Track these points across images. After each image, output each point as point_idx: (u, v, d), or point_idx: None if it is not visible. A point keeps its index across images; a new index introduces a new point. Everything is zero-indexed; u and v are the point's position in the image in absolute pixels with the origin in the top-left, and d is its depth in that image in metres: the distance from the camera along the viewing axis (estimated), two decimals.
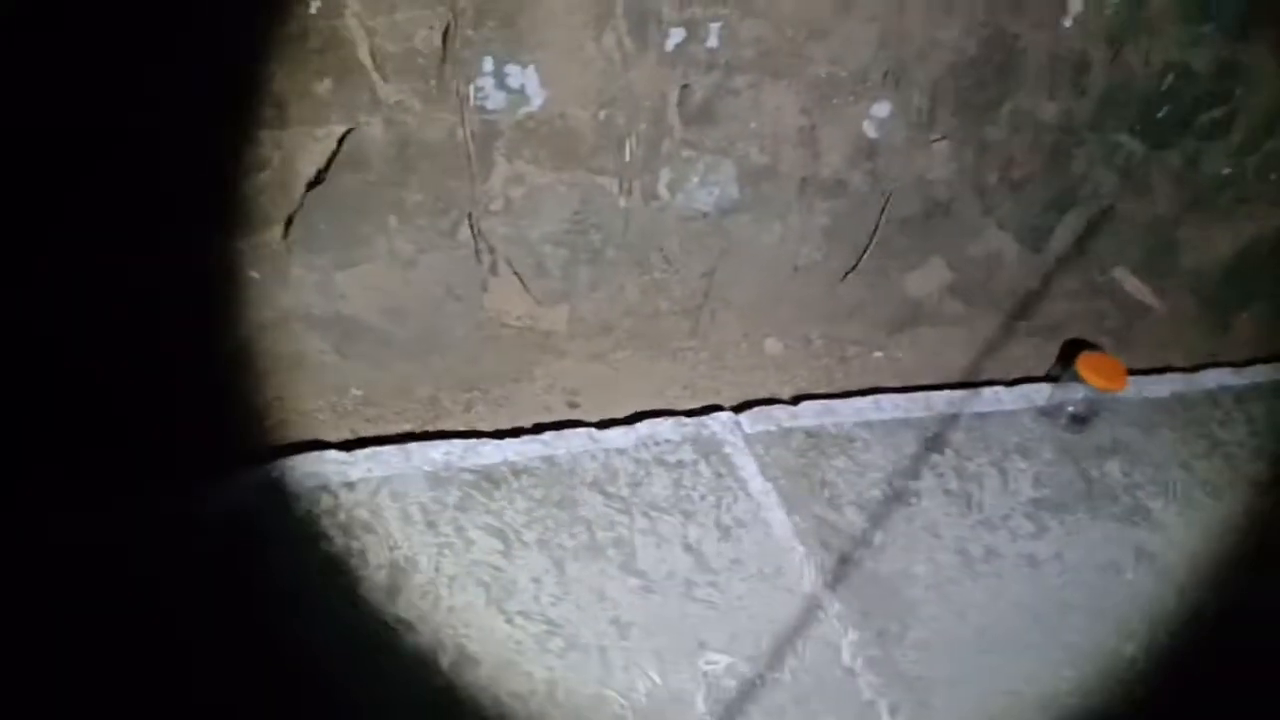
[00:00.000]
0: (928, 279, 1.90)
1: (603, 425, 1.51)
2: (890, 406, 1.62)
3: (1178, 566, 1.45)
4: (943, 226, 1.81)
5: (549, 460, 1.40)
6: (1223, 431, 1.73)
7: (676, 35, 1.42)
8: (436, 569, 1.22)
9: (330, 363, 1.58)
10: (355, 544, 1.23)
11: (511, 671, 1.14)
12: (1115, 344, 2.00)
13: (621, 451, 1.45)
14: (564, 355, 1.74)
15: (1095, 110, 1.76)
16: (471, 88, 1.39)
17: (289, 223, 1.42)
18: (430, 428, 1.59)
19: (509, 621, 1.19)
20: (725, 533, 1.36)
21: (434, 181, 1.45)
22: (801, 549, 1.36)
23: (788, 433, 1.53)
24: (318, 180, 1.39)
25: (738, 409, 1.59)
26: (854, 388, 1.80)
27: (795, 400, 1.62)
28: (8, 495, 1.15)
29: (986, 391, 1.67)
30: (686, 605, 1.26)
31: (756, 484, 1.44)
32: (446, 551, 1.24)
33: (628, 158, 1.53)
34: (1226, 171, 2.00)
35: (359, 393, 1.62)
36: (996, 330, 1.94)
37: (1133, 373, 1.82)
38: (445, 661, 1.12)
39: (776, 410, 1.57)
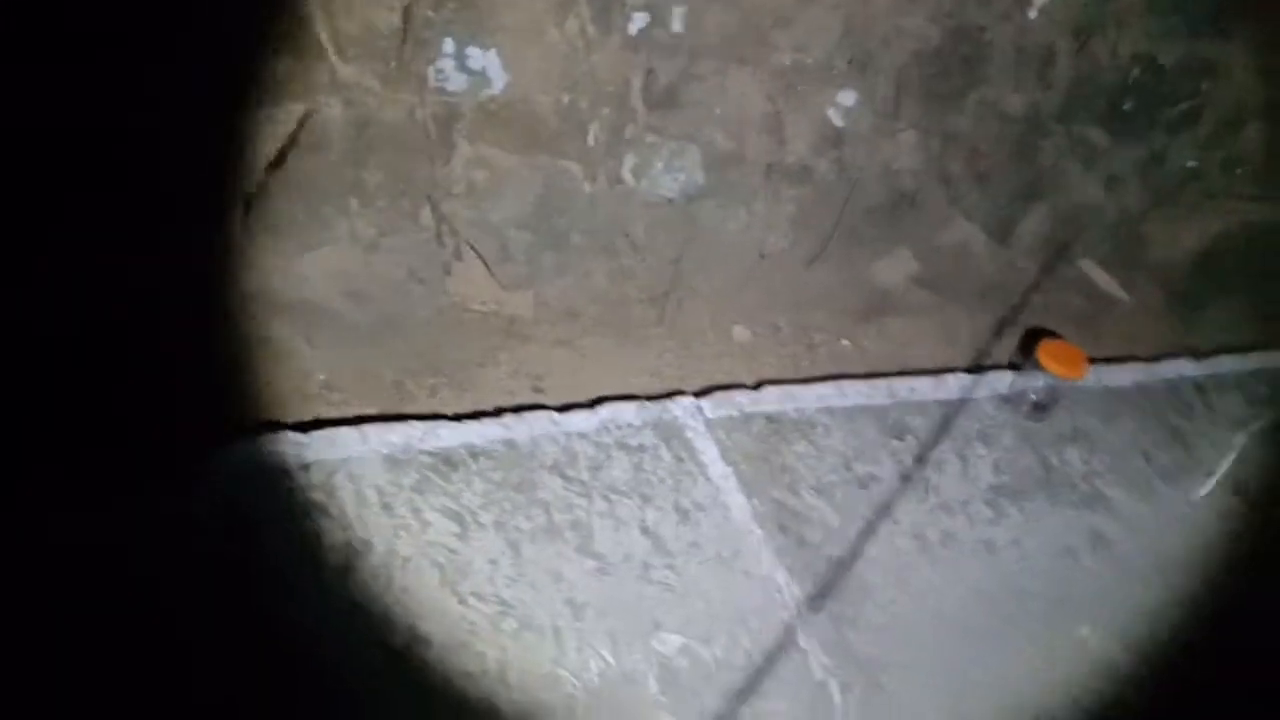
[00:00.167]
0: (895, 268, 1.90)
1: (564, 409, 1.51)
2: (853, 393, 1.63)
3: (1134, 553, 1.47)
4: (909, 216, 1.82)
5: (509, 443, 1.40)
6: (1183, 421, 1.74)
7: (640, 19, 1.42)
8: (391, 550, 1.21)
9: (293, 347, 1.57)
10: (310, 526, 1.22)
11: (463, 652, 1.14)
12: (1082, 334, 2.01)
13: (582, 435, 1.45)
14: (529, 341, 1.74)
15: (1062, 102, 1.78)
16: (432, 69, 1.38)
17: (248, 205, 1.41)
18: (393, 412, 1.59)
19: (462, 602, 1.19)
20: (684, 516, 1.36)
21: (395, 164, 1.45)
22: (759, 532, 1.36)
23: (749, 418, 1.54)
24: (277, 162, 1.38)
25: (700, 394, 1.59)
26: (821, 375, 1.81)
27: (758, 386, 1.62)
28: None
29: (949, 379, 1.68)
30: (642, 587, 1.26)
31: (717, 468, 1.44)
32: (402, 533, 1.24)
33: (591, 142, 1.53)
34: (1193, 165, 2.02)
35: (322, 377, 1.61)
36: (963, 320, 1.95)
37: (1096, 362, 1.84)
38: (396, 642, 1.12)
39: (739, 395, 1.58)
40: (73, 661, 1.03)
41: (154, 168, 1.29)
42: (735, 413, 1.55)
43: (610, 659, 1.17)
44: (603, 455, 1.42)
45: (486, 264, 1.62)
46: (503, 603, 1.20)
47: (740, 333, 1.87)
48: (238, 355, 1.54)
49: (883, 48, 1.57)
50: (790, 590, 1.30)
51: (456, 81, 1.41)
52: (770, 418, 1.55)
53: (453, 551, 1.24)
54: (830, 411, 1.59)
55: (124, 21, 1.17)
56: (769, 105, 1.57)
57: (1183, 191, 2.03)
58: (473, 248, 1.59)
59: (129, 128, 1.23)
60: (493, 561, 1.24)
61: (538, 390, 1.70)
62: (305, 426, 1.39)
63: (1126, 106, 1.82)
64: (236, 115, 1.33)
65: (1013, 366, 1.72)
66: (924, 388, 1.65)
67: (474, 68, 1.40)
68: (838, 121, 1.63)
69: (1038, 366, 1.59)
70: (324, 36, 1.31)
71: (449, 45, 1.38)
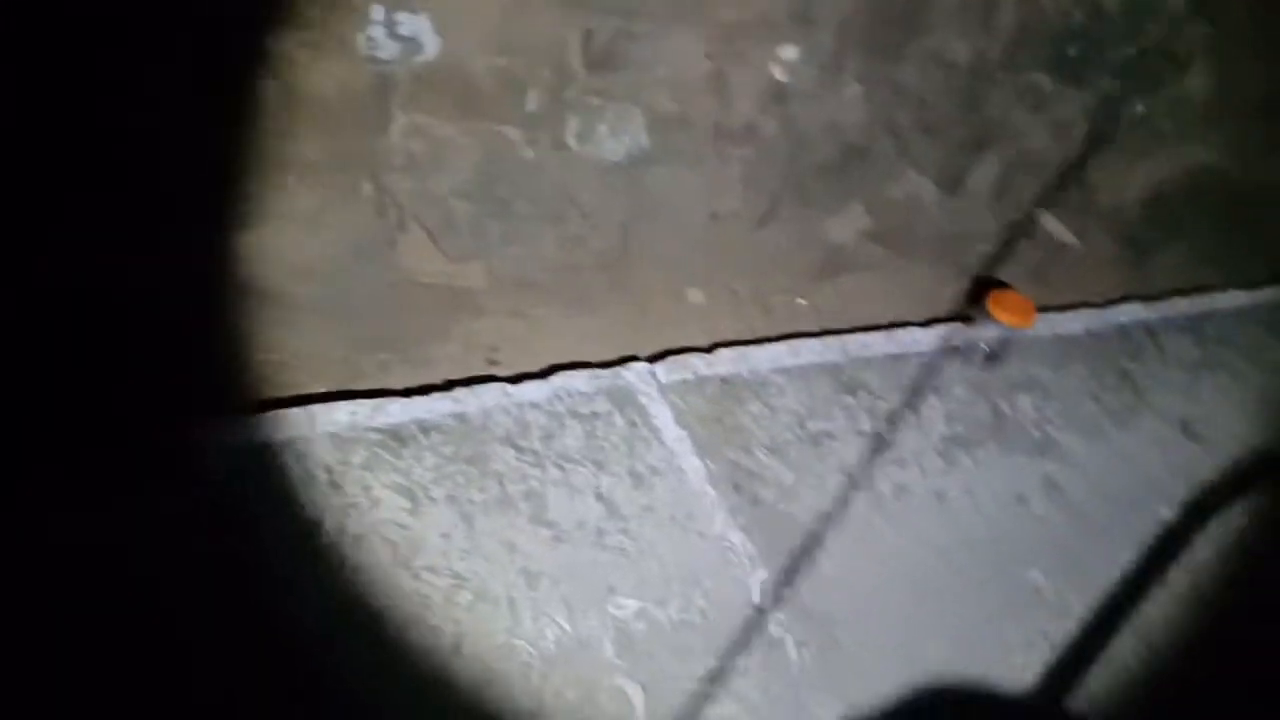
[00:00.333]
0: (847, 224, 1.90)
1: (517, 379, 1.50)
2: (806, 352, 1.63)
3: (1085, 497, 1.49)
4: (859, 171, 1.81)
5: (459, 417, 1.39)
6: (1133, 364, 1.77)
7: None
8: (341, 529, 1.20)
9: (237, 327, 1.55)
10: (258, 508, 1.21)
11: (417, 626, 1.14)
12: (1035, 283, 2.02)
13: (535, 405, 1.44)
14: (482, 312, 1.72)
15: (1007, 50, 1.76)
16: (362, 37, 1.34)
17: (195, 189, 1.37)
18: (344, 390, 1.57)
19: (415, 577, 1.18)
20: (638, 481, 1.37)
21: (330, 136, 1.41)
22: (714, 493, 1.37)
23: (703, 381, 1.54)
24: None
25: (654, 359, 1.58)
26: (777, 335, 1.81)
27: (712, 349, 1.62)
28: None
29: (902, 333, 1.68)
30: (597, 553, 1.27)
31: (671, 432, 1.44)
32: (351, 511, 1.23)
33: (531, 107, 1.50)
34: (1140, 109, 2.02)
35: (270, 357, 1.59)
36: (916, 273, 1.95)
37: (1049, 310, 1.86)
38: (347, 620, 1.12)
39: (693, 359, 1.58)
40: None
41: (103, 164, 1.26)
42: (689, 376, 1.54)
43: (566, 626, 1.18)
44: (556, 424, 1.42)
45: (432, 236, 1.60)
46: (457, 576, 1.20)
47: (695, 295, 1.86)
48: (181, 340, 1.51)
49: (823, 1, 1.54)
50: (745, 549, 1.31)
51: (388, 49, 1.37)
52: (724, 380, 1.55)
53: (404, 527, 1.23)
54: (784, 371, 1.59)
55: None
56: (710, 64, 1.54)
57: (1131, 136, 2.03)
58: (417, 220, 1.57)
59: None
60: (445, 535, 1.24)
61: (493, 362, 1.69)
62: (253, 408, 1.37)
63: (1071, 52, 1.82)
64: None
65: (964, 318, 1.73)
66: (876, 343, 1.66)
67: (405, 34, 1.37)
68: (781, 78, 1.61)
69: (988, 317, 1.60)
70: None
71: (378, 12, 1.33)
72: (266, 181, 1.42)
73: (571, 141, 1.58)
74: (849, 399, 1.55)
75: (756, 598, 1.26)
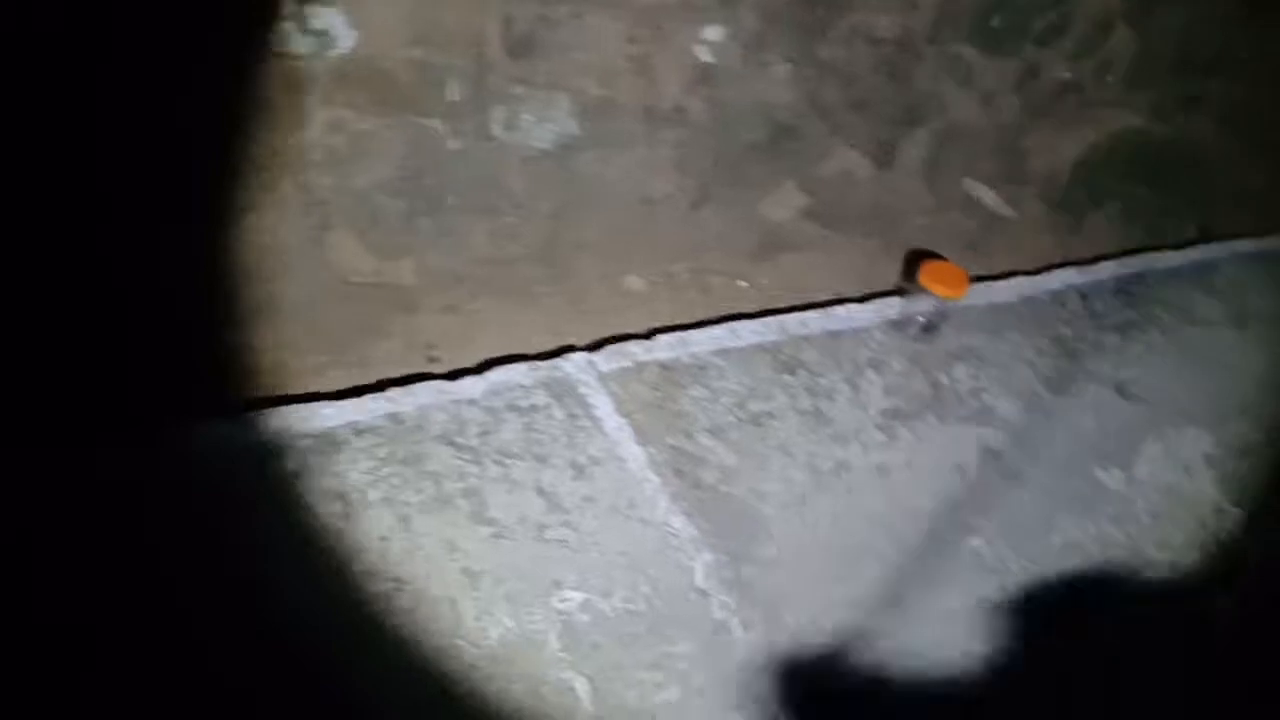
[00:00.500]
0: (783, 203, 1.90)
1: (453, 376, 1.48)
2: (746, 333, 1.63)
3: (1021, 462, 1.51)
4: (791, 149, 1.81)
5: (394, 417, 1.37)
6: (1067, 329, 1.80)
7: None
8: (268, 542, 1.18)
9: (158, 335, 1.50)
10: (181, 526, 1.18)
11: (356, 633, 1.12)
12: (971, 253, 2.04)
13: (472, 402, 1.42)
14: (417, 310, 1.69)
15: (931, 23, 1.77)
16: (273, 32, 1.30)
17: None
18: (277, 395, 1.53)
19: (353, 584, 1.16)
20: (579, 472, 1.36)
21: (244, 135, 1.37)
22: (655, 480, 1.36)
23: (642, 367, 1.53)
24: None
25: (593, 348, 1.57)
26: (718, 317, 1.81)
27: (650, 335, 1.61)
28: None
29: (839, 309, 1.69)
30: (539, 548, 1.26)
31: (611, 421, 1.43)
32: (281, 522, 1.20)
33: (453, 97, 1.47)
34: (1067, 76, 2.04)
35: (195, 365, 1.55)
36: (853, 249, 1.96)
37: (984, 279, 1.88)
38: (280, 632, 1.10)
39: (631, 346, 1.57)
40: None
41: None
42: (628, 363, 1.54)
43: (510, 623, 1.17)
44: (493, 420, 1.40)
45: (359, 233, 1.56)
46: (396, 580, 1.18)
47: (633, 282, 1.85)
48: (107, 347, 1.46)
49: None
50: (688, 533, 1.31)
51: (301, 43, 1.33)
52: (664, 365, 1.55)
53: (339, 534, 1.21)
54: (724, 353, 1.59)
55: None
56: (634, 46, 1.52)
57: (1058, 103, 2.05)
58: (343, 217, 1.53)
59: None
60: (383, 539, 1.22)
61: (432, 359, 1.66)
62: (184, 419, 1.33)
63: (995, 23, 1.83)
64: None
65: (899, 291, 1.75)
66: (815, 321, 1.66)
67: (318, 27, 1.33)
68: (707, 58, 1.60)
69: (921, 289, 1.61)
70: None
71: (289, 7, 1.30)
72: (180, 183, 1.38)
73: (497, 131, 1.55)
74: (789, 378, 1.55)
75: (700, 582, 1.26)
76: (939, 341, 1.66)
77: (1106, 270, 1.99)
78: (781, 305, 1.85)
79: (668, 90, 1.62)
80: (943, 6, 1.76)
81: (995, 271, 1.99)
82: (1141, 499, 1.50)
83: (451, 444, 1.35)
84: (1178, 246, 2.19)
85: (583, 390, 1.48)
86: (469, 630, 1.15)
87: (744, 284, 1.93)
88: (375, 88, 1.42)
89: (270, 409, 1.37)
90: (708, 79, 1.63)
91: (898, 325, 1.67)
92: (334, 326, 1.64)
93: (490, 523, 1.27)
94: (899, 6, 1.71)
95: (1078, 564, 1.40)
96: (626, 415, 1.45)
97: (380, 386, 1.43)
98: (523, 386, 1.46)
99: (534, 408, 1.43)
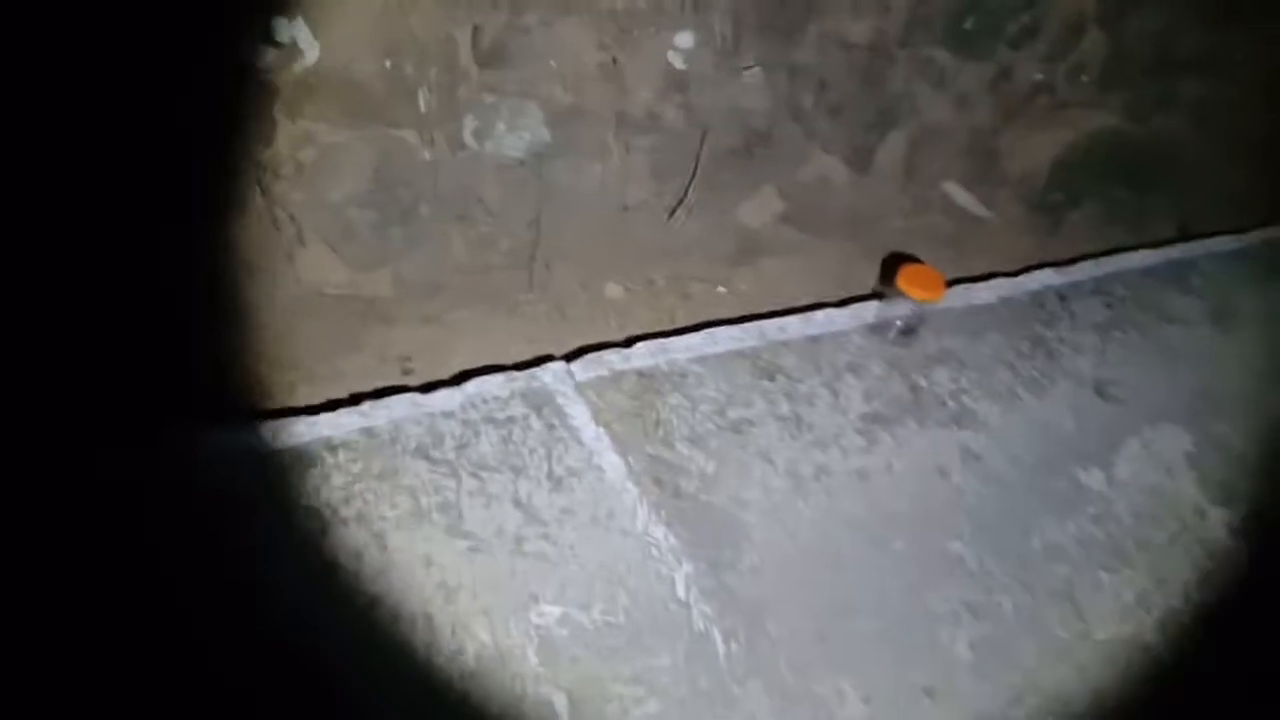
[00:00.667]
0: (760, 209, 1.90)
1: (427, 389, 1.46)
2: (724, 339, 1.62)
3: (1002, 465, 1.51)
4: (767, 155, 1.81)
5: (368, 431, 1.35)
6: (1046, 330, 1.79)
7: None
8: (240, 561, 1.16)
9: (129, 350, 1.48)
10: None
11: (330, 653, 1.10)
12: (949, 255, 2.04)
13: (448, 414, 1.40)
14: (393, 321, 1.68)
15: (903, 26, 1.78)
16: (236, 45, 1.29)
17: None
18: (252, 410, 1.51)
19: (327, 603, 1.14)
20: (557, 484, 1.34)
21: (211, 150, 1.36)
22: (635, 490, 1.35)
23: (620, 376, 1.51)
24: None
25: (570, 357, 1.56)
26: (698, 324, 1.80)
27: (628, 342, 1.60)
28: None
29: (818, 314, 1.68)
30: (517, 561, 1.24)
31: (589, 431, 1.42)
32: (254, 541, 1.18)
33: (424, 107, 1.46)
34: (1039, 78, 2.05)
35: (172, 380, 1.53)
36: (832, 253, 1.96)
37: (962, 281, 1.87)
38: (252, 654, 1.07)
39: (609, 354, 1.55)
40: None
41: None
42: (606, 372, 1.52)
43: (487, 638, 1.15)
44: (470, 432, 1.38)
45: (332, 246, 1.55)
46: (370, 597, 1.16)
47: (613, 290, 1.85)
48: (83, 361, 1.44)
49: None
50: (668, 543, 1.29)
51: (266, 56, 1.32)
52: (642, 373, 1.53)
53: (313, 551, 1.19)
54: (703, 360, 1.58)
55: None
56: (604, 54, 1.52)
57: (1032, 104, 2.06)
58: (314, 231, 1.52)
59: None
60: (357, 556, 1.20)
61: (408, 372, 1.65)
62: (148, 435, 1.31)
63: (967, 25, 1.83)
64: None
65: (877, 295, 1.74)
66: (793, 326, 1.65)
67: (282, 39, 1.32)
68: (679, 65, 1.59)
69: (899, 293, 1.61)
70: None
71: (251, 19, 1.29)
72: (142, 202, 1.36)
73: (470, 140, 1.54)
74: (768, 384, 1.54)
75: (681, 592, 1.24)
76: (918, 345, 1.66)
77: (1084, 270, 1.99)
78: (760, 310, 1.85)
79: (640, 97, 1.61)
80: (915, 9, 1.76)
81: (974, 273, 1.99)
82: (1123, 499, 1.50)
83: (427, 457, 1.33)
84: (1155, 245, 2.19)
85: (560, 400, 1.46)
86: (445, 646, 1.13)
87: (723, 290, 1.93)
88: (345, 99, 1.40)
89: (243, 424, 1.35)
90: (681, 85, 1.63)
91: (876, 329, 1.66)
92: (308, 339, 1.62)
93: (467, 536, 1.25)
94: (871, 10, 1.71)
95: (1059, 566, 1.39)
96: (605, 425, 1.43)
97: (354, 400, 1.42)
98: (499, 398, 1.44)
99: (511, 419, 1.42)
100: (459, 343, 1.71)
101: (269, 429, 1.33)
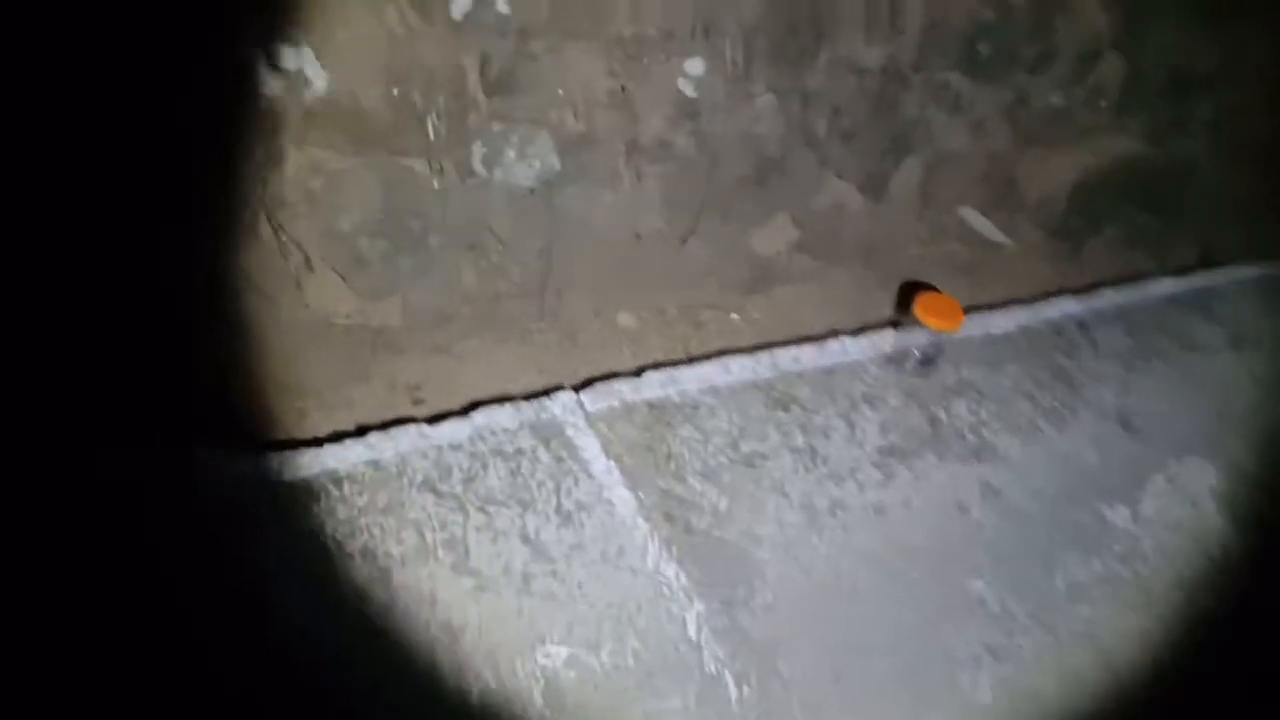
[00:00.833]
0: (774, 237, 1.87)
1: (435, 420, 1.44)
2: (737, 369, 1.59)
3: (1023, 500, 1.47)
4: (780, 182, 1.79)
5: (374, 464, 1.32)
6: (1067, 360, 1.75)
7: (463, 3, 1.34)
8: (241, 595, 1.13)
9: (140, 374, 1.47)
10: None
11: (331, 691, 1.07)
12: (967, 283, 2.01)
13: (455, 446, 1.38)
14: (403, 350, 1.66)
15: (917, 51, 1.75)
16: (242, 73, 1.29)
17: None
18: (259, 440, 1.49)
19: (329, 639, 1.11)
20: (566, 519, 1.31)
21: (218, 179, 1.35)
22: (645, 526, 1.32)
23: (631, 407, 1.49)
24: None
25: (580, 387, 1.53)
26: (711, 353, 1.77)
27: (639, 372, 1.57)
28: None
29: (833, 344, 1.65)
30: (523, 600, 1.21)
31: (599, 464, 1.39)
32: (256, 573, 1.16)
33: (432, 135, 1.45)
34: (1057, 102, 2.02)
35: (178, 409, 1.51)
36: (847, 281, 1.93)
37: (980, 309, 1.84)
38: (255, 690, 1.05)
39: (619, 384, 1.53)
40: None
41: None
42: (616, 403, 1.49)
43: (491, 680, 1.12)
44: (478, 465, 1.36)
45: (341, 275, 1.53)
46: (373, 634, 1.13)
47: (624, 319, 1.82)
48: (89, 386, 1.43)
49: (725, 11, 1.51)
50: (679, 582, 1.26)
51: (271, 84, 1.31)
52: (653, 404, 1.50)
53: (316, 586, 1.16)
54: (715, 391, 1.55)
55: None
56: (613, 81, 1.50)
57: (1050, 129, 2.03)
58: (323, 259, 1.50)
59: None
60: (361, 592, 1.17)
61: (417, 402, 1.62)
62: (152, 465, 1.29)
63: (983, 50, 1.81)
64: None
65: (894, 324, 1.71)
66: (807, 356, 1.62)
67: (289, 68, 1.31)
68: (690, 92, 1.57)
69: (916, 321, 1.57)
70: None
71: (257, 46, 1.28)
72: (148, 235, 1.35)
73: (479, 168, 1.53)
74: (782, 415, 1.51)
75: (692, 633, 1.21)
76: (936, 375, 1.62)
77: (1105, 298, 1.95)
78: (774, 339, 1.82)
79: (651, 124, 1.59)
80: (928, 34, 1.74)
81: (992, 301, 1.96)
82: (1149, 536, 1.45)
83: (434, 491, 1.31)
84: (1178, 272, 2.15)
85: (570, 432, 1.43)
86: (448, 688, 1.10)
87: (736, 318, 1.90)
88: (352, 128, 1.39)
89: (246, 455, 1.33)
90: (692, 112, 1.61)
91: (893, 359, 1.63)
92: (317, 367, 1.60)
93: (473, 574, 1.22)
94: (883, 35, 1.69)
95: (1084, 606, 1.34)
96: (615, 458, 1.40)
97: (361, 432, 1.39)
98: (508, 430, 1.42)
99: (519, 451, 1.39)
100: (469, 372, 1.69)
101: (275, 459, 1.31)
